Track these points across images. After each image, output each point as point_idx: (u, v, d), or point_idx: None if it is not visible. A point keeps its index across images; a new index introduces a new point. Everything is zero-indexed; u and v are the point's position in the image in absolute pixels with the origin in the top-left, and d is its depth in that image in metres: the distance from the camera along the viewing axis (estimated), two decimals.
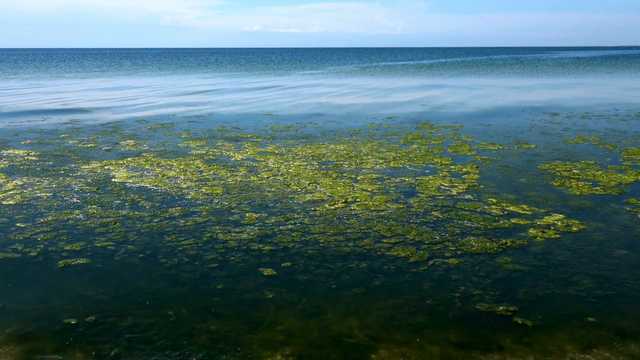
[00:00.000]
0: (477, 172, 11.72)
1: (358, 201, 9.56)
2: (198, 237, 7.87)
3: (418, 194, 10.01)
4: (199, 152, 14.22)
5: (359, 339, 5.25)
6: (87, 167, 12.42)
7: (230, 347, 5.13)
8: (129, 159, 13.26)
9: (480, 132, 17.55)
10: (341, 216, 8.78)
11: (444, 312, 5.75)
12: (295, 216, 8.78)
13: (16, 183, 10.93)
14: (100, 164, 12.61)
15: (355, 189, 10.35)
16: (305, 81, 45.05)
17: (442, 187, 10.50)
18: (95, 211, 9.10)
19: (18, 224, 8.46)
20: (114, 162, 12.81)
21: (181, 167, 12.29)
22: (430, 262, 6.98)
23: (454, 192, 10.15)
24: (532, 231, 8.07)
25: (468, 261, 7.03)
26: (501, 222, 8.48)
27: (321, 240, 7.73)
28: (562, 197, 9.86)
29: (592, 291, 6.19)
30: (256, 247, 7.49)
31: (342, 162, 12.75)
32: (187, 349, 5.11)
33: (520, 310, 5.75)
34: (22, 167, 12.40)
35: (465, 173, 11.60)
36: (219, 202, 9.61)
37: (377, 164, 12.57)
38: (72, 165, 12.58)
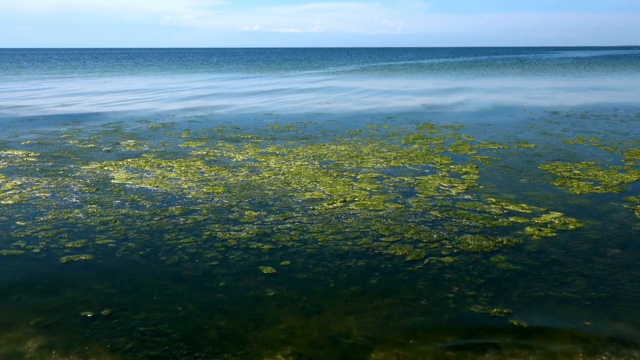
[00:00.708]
0: (477, 172, 11.76)
1: (357, 200, 9.60)
2: (197, 236, 7.92)
3: (417, 194, 10.05)
4: (199, 152, 14.26)
5: (357, 339, 5.30)
6: (86, 167, 12.47)
7: (236, 344, 5.20)
8: (129, 159, 13.30)
9: (481, 131, 17.60)
10: (340, 215, 8.83)
11: (438, 312, 5.79)
12: (294, 215, 8.83)
13: (15, 183, 10.98)
14: (99, 165, 12.66)
15: (354, 188, 10.39)
16: (307, 81, 45.11)
17: (442, 187, 10.53)
18: (95, 210, 9.15)
19: (18, 222, 8.52)
20: (113, 163, 12.85)
21: (182, 168, 12.32)
22: (426, 261, 7.04)
23: (453, 192, 10.19)
24: (528, 229, 8.12)
25: (463, 260, 7.07)
26: (499, 220, 8.52)
27: (320, 239, 7.78)
28: (562, 196, 9.90)
29: (586, 293, 6.20)
30: (255, 246, 7.54)
31: (342, 162, 12.80)
32: (199, 343, 5.21)
33: (515, 313, 5.75)
34: (21, 168, 12.44)
35: (465, 173, 11.63)
36: (219, 200, 9.66)
37: (378, 163, 12.62)
38: (72, 166, 12.62)
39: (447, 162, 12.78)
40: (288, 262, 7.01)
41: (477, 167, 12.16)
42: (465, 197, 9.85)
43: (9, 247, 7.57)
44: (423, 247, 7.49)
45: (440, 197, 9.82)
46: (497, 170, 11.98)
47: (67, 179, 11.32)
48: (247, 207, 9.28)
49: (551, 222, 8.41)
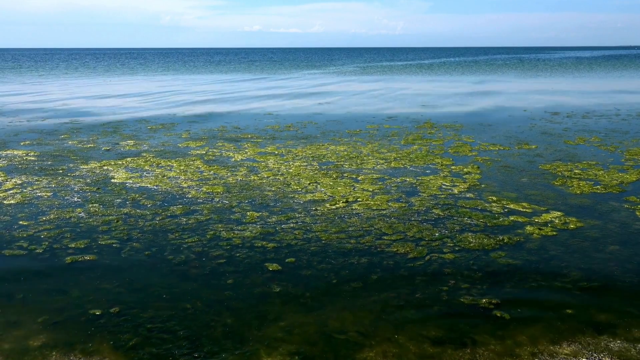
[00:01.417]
0: (478, 172, 11.80)
1: (359, 201, 9.64)
2: (202, 235, 7.97)
3: (419, 193, 10.09)
4: (198, 152, 14.30)
5: (350, 335, 5.36)
6: (86, 167, 12.50)
7: (235, 343, 5.24)
8: (128, 159, 13.33)
9: (481, 132, 17.63)
10: (342, 215, 8.87)
11: (429, 305, 5.88)
12: (297, 215, 8.87)
13: (15, 182, 11.01)
14: (99, 164, 12.69)
15: (356, 189, 10.43)
16: (307, 81, 45.15)
17: (444, 186, 10.58)
18: (97, 209, 9.18)
19: (21, 222, 8.55)
20: (112, 162, 12.88)
21: (181, 167, 12.36)
22: (427, 257, 7.11)
23: (455, 191, 10.24)
24: (529, 228, 8.17)
25: (464, 256, 7.14)
26: (500, 219, 8.57)
27: (323, 238, 7.83)
28: (563, 195, 9.94)
29: (577, 283, 6.32)
30: (260, 244, 7.60)
31: (342, 163, 12.83)
32: (207, 340, 5.26)
33: (502, 304, 5.86)
34: (20, 167, 12.47)
35: (467, 173, 11.68)
36: (219, 200, 9.70)
37: (378, 164, 12.66)
38: (71, 165, 12.65)
39: (448, 162, 12.81)
40: (293, 260, 7.09)
41: (478, 168, 12.20)
42: (467, 195, 9.90)
43: (11, 247, 7.58)
44: (425, 244, 7.55)
45: (442, 196, 9.87)
46: (498, 170, 12.02)
47: (67, 179, 11.35)
48: (248, 207, 9.30)
49: (551, 221, 8.46)
